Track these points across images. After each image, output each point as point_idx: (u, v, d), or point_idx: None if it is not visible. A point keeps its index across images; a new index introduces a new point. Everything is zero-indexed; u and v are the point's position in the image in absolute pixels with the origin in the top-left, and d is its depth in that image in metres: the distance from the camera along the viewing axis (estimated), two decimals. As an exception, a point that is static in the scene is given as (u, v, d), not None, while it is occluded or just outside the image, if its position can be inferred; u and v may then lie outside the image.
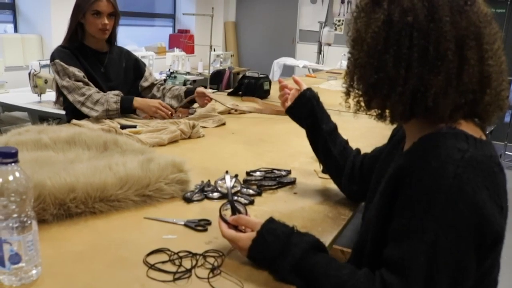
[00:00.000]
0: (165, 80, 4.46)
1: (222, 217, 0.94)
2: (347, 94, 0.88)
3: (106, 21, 2.00)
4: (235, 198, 1.16)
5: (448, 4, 0.76)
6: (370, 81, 0.80)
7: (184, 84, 4.37)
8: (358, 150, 1.25)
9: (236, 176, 1.29)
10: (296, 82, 1.33)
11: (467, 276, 0.72)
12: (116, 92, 1.99)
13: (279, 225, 0.89)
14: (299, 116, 1.29)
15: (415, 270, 0.71)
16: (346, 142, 1.26)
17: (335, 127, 1.27)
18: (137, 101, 2.00)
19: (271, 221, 0.89)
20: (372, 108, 0.85)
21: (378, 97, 0.81)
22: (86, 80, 1.98)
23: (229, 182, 1.10)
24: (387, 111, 0.83)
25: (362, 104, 0.86)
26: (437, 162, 0.73)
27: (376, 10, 0.79)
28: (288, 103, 1.30)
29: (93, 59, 2.08)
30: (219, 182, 1.24)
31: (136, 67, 2.28)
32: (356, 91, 0.85)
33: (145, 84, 2.28)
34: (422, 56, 0.75)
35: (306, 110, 1.26)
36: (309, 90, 1.28)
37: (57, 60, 1.97)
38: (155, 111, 1.99)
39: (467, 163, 0.72)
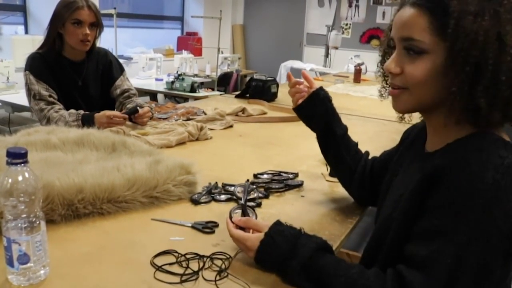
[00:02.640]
0: (172, 82, 4.47)
1: (230, 218, 0.95)
2: (461, 101, 0.77)
3: (88, 31, 1.87)
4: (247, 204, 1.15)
5: None
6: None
7: (192, 86, 4.37)
8: (367, 153, 1.24)
9: (255, 185, 1.25)
10: (306, 78, 1.25)
11: (489, 282, 0.72)
12: (74, 117, 1.84)
13: (287, 227, 0.89)
14: (310, 117, 1.23)
15: (440, 270, 0.71)
16: (357, 144, 1.24)
17: (346, 130, 1.23)
18: (96, 118, 1.82)
19: (278, 224, 0.90)
20: (497, 112, 0.77)
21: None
22: (52, 98, 1.88)
23: (247, 189, 1.12)
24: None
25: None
26: (477, 166, 0.73)
27: (499, 10, 0.74)
28: (300, 102, 1.23)
29: (69, 72, 1.96)
30: (238, 188, 1.23)
31: (109, 72, 2.10)
32: (481, 96, 0.76)
33: (116, 92, 2.10)
34: None
35: (319, 112, 1.20)
36: (322, 90, 1.22)
37: (27, 72, 1.88)
38: (106, 126, 1.77)
39: (505, 170, 0.72)
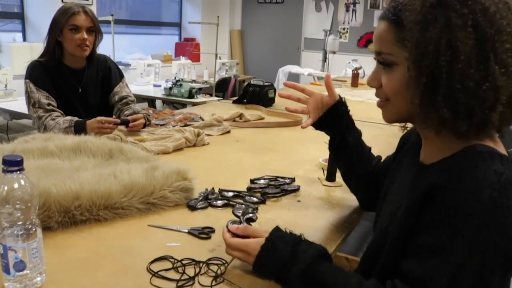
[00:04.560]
0: (170, 88, 4.48)
1: (227, 228, 0.94)
2: (427, 112, 0.77)
3: (85, 36, 1.89)
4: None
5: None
6: (478, 93, 0.72)
7: (190, 92, 4.38)
8: (379, 158, 1.22)
9: (256, 209, 1.21)
10: (303, 89, 1.23)
11: None
12: (67, 123, 1.83)
13: (287, 233, 0.89)
14: (323, 128, 1.21)
15: None
16: (370, 150, 1.23)
17: (360, 135, 1.22)
18: (88, 125, 1.82)
19: (278, 230, 0.90)
20: (465, 123, 0.75)
21: (481, 111, 0.73)
22: (51, 106, 1.90)
23: (246, 211, 1.14)
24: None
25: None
26: (473, 184, 0.71)
27: (452, 15, 0.73)
28: (312, 116, 1.20)
29: (69, 79, 1.98)
30: (238, 210, 1.19)
31: (108, 78, 2.11)
32: (445, 106, 0.74)
33: (114, 98, 2.11)
34: None
35: (335, 125, 1.18)
36: (342, 105, 1.19)
37: (27, 80, 1.90)
38: (97, 132, 1.77)
39: (502, 187, 0.70)
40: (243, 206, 1.20)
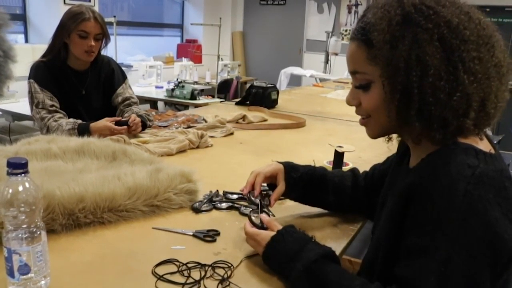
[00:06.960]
0: (172, 90, 4.48)
1: (250, 219, 0.99)
2: (403, 126, 0.80)
3: (93, 43, 1.89)
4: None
5: (476, 13, 0.78)
6: (450, 103, 0.74)
7: (192, 93, 4.38)
8: (369, 172, 1.20)
9: (268, 195, 1.21)
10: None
11: None
12: (70, 125, 1.84)
13: (299, 231, 0.92)
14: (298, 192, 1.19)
15: None
16: (340, 173, 1.21)
17: (317, 171, 1.20)
18: (92, 128, 1.83)
19: (291, 226, 0.93)
20: (439, 133, 0.77)
21: (455, 119, 0.75)
22: (54, 107, 1.90)
23: (259, 197, 1.14)
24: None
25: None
26: (447, 179, 0.72)
27: (418, 30, 0.75)
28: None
29: (73, 81, 1.98)
30: (254, 211, 1.16)
31: (111, 80, 2.10)
32: (418, 120, 0.77)
33: (117, 100, 2.11)
34: (481, 66, 0.75)
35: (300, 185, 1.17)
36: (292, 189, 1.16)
37: (31, 80, 1.90)
38: (110, 134, 1.77)
39: (477, 180, 0.71)
40: (259, 208, 1.19)
